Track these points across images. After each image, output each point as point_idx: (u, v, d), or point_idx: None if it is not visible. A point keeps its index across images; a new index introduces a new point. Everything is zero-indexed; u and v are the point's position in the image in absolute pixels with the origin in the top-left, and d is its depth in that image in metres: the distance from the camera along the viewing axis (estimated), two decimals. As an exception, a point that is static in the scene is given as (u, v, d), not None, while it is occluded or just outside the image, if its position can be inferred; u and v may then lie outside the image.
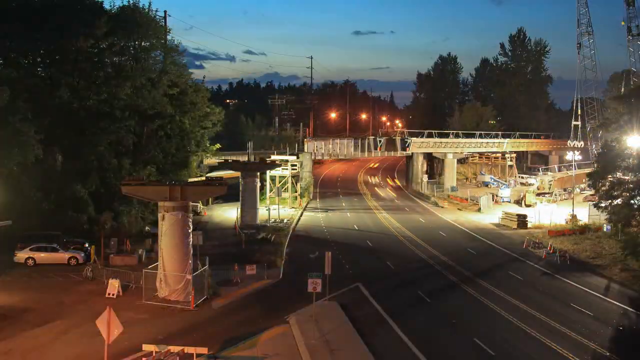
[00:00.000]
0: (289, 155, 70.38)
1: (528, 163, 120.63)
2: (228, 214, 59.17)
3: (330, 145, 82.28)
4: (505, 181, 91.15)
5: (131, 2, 48.57)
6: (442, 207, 71.05)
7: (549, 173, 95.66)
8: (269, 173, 65.82)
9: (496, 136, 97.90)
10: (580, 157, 76.45)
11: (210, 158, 64.97)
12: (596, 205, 47.08)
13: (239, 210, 54.82)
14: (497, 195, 74.29)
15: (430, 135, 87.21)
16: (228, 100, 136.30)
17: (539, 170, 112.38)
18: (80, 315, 26.63)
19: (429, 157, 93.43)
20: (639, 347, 26.06)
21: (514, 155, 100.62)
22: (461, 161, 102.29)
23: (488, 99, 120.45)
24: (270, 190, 65.93)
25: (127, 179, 33.28)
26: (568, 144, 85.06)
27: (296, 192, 69.09)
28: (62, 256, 36.46)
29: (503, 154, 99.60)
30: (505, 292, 33.21)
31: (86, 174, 44.21)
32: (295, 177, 69.24)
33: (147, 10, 49.30)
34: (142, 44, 47.89)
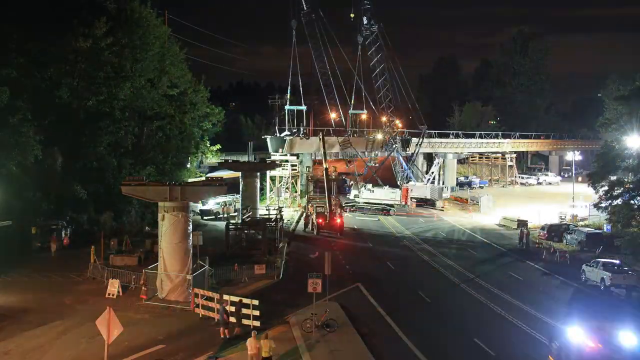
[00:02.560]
0: (289, 155, 70.36)
1: (528, 163, 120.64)
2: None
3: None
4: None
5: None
6: (442, 207, 70.97)
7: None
8: (269, 173, 65.81)
9: (496, 136, 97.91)
10: (581, 158, 76.48)
11: (210, 158, 64.99)
12: (596, 206, 47.09)
13: (239, 210, 54.82)
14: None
15: (430, 136, 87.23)
16: (228, 102, 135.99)
17: (539, 170, 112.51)
18: (80, 315, 26.61)
19: (429, 157, 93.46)
20: None
21: (514, 155, 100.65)
22: (461, 161, 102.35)
23: (488, 99, 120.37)
24: (271, 191, 65.95)
25: (127, 179, 33.26)
26: None
27: (296, 192, 69.08)
28: None
29: (503, 154, 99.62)
30: (505, 292, 33.18)
31: (86, 174, 44.23)
32: (295, 178, 69.25)
33: (146, 10, 49.30)
34: (142, 44, 47.85)
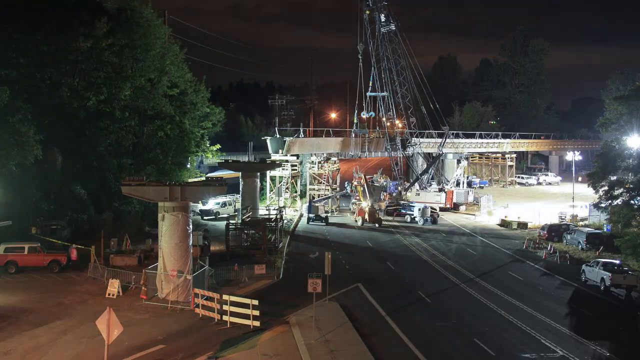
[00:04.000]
0: (289, 156, 70.30)
1: (528, 163, 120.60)
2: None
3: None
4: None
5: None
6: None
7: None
8: (269, 173, 65.81)
9: (496, 136, 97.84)
10: (581, 158, 76.38)
11: (211, 158, 64.99)
12: (596, 206, 47.06)
13: (239, 210, 54.81)
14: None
15: (430, 135, 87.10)
16: (228, 102, 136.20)
17: (539, 170, 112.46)
18: (80, 315, 26.66)
19: (429, 157, 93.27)
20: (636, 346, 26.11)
21: (514, 155, 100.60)
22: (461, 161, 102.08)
23: (488, 99, 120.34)
24: (271, 191, 65.92)
25: (127, 179, 33.30)
26: None
27: (296, 192, 69.05)
28: None
29: (503, 154, 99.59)
30: (505, 292, 33.20)
31: (86, 174, 44.29)
32: (295, 178, 69.23)
33: (147, 10, 49.32)
34: (142, 44, 47.89)
